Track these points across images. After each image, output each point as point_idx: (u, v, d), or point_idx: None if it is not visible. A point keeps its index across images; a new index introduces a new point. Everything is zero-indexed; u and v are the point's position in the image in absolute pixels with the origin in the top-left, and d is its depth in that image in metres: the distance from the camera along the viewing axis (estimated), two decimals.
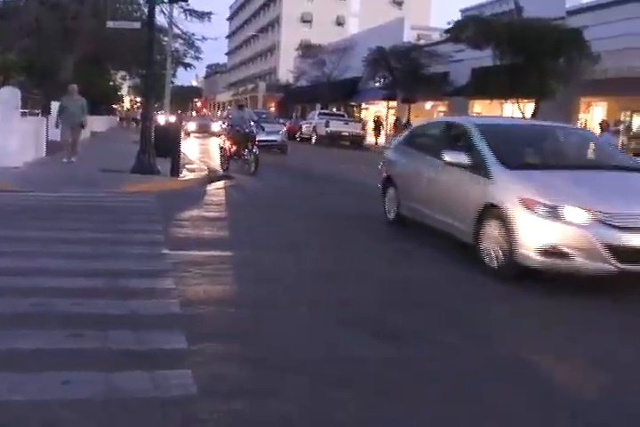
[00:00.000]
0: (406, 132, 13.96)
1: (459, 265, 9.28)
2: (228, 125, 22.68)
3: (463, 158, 9.71)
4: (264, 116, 36.05)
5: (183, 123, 49.18)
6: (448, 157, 9.93)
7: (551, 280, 8.32)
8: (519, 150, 10.17)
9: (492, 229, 8.69)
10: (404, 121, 47.07)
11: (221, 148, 22.66)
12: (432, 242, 10.75)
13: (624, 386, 5.31)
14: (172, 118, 31.16)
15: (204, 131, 50.43)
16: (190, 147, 34.48)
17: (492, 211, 8.79)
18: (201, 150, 34.47)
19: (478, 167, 9.40)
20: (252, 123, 21.95)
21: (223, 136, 23.30)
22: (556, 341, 6.38)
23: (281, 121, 44.25)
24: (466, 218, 9.34)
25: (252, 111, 26.17)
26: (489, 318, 7.12)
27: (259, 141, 22.11)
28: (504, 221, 8.43)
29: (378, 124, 52.31)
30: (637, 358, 6.01)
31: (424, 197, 10.91)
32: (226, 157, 22.00)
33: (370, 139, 51.70)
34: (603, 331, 6.72)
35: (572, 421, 4.64)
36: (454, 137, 11.12)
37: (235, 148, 21.43)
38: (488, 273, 8.65)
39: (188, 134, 47.12)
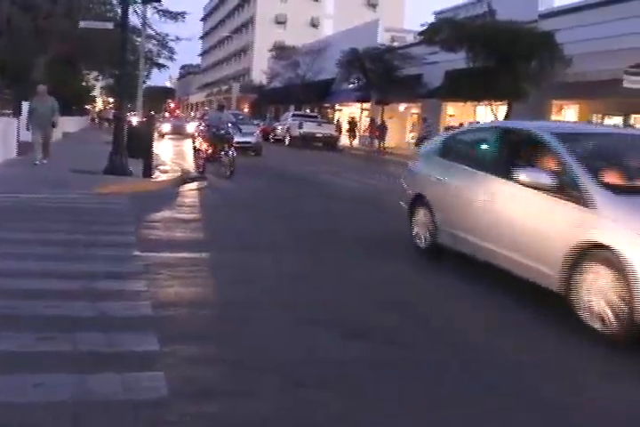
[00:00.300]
0: (437, 140, 11.44)
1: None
2: (205, 126, 22.35)
3: (545, 178, 7.42)
4: (240, 117, 35.63)
5: (157, 124, 48.88)
6: (524, 175, 7.68)
7: None
8: (619, 168, 7.63)
9: (597, 278, 6.47)
10: (378, 122, 47.13)
11: (196, 149, 22.22)
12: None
13: None
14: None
15: (179, 133, 48.80)
16: (164, 149, 34.35)
17: (595, 253, 6.55)
18: (175, 152, 34.34)
19: (568, 191, 7.21)
20: (229, 124, 21.59)
21: (199, 137, 22.99)
22: None
23: (255, 122, 44.01)
24: (549, 258, 7.15)
25: (230, 113, 25.76)
26: None
27: (234, 143, 21.83)
28: (617, 269, 6.23)
29: (353, 126, 52.36)
30: None
31: (479, 225, 8.56)
32: (202, 159, 21.59)
33: (345, 140, 51.71)
34: None
35: None
36: (519, 148, 8.97)
37: (211, 149, 21.06)
38: (594, 339, 6.39)
39: (162, 136, 46.66)
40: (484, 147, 9.80)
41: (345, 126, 54.89)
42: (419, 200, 10.36)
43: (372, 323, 6.60)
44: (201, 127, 23.10)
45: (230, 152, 20.50)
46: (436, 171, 10.10)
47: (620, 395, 5.25)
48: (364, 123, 55.44)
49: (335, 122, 55.75)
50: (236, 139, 21.94)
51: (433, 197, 9.92)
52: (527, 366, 5.74)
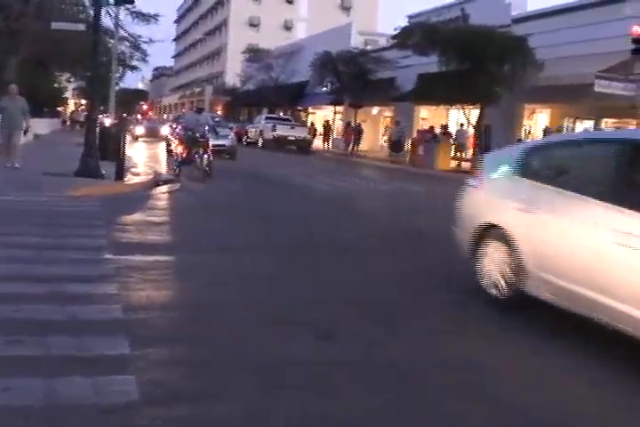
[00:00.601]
0: (511, 153, 8.77)
1: None
2: (181, 128, 22.17)
3: None
4: (217, 120, 35.23)
5: (131, 126, 48.45)
6: None
7: None
8: None
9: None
10: (353, 125, 47.06)
11: (170, 151, 22.12)
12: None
13: None
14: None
15: (153, 135, 46.51)
16: (138, 151, 34.19)
17: None
18: (148, 155, 34.17)
19: None
20: (206, 127, 21.22)
21: (175, 140, 22.75)
22: None
23: (230, 125, 43.81)
24: None
25: (209, 116, 25.47)
26: None
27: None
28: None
29: (327, 129, 52.23)
30: None
31: (603, 277, 6.15)
32: (176, 162, 21.38)
33: (319, 143, 51.60)
34: None
35: None
36: None
37: (186, 152, 20.87)
38: None
39: (135, 139, 46.06)
40: (599, 166, 7.31)
41: (320, 129, 54.78)
42: (491, 232, 7.90)
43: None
44: (177, 130, 22.64)
45: (206, 155, 20.25)
46: (519, 195, 7.66)
47: None
48: (337, 126, 55.42)
49: (309, 125, 55.64)
50: (211, 142, 21.66)
51: (516, 230, 7.42)
52: None
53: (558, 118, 34.14)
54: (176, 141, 21.99)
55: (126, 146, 18.97)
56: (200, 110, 23.26)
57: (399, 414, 4.72)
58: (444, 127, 37.28)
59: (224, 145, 31.24)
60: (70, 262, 8.37)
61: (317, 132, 53.39)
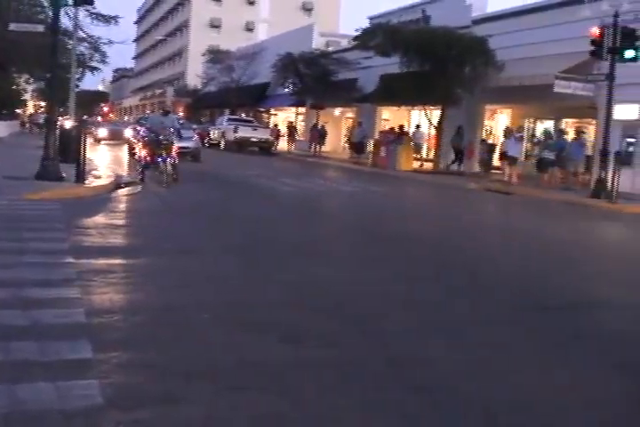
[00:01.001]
0: None
1: None
2: (144, 131, 21.52)
3: None
4: (181, 122, 33.69)
5: (93, 129, 47.97)
6: None
7: None
8: None
9: None
10: (319, 126, 46.77)
11: (133, 154, 21.46)
12: None
13: None
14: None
15: (117, 138, 43.85)
16: (100, 154, 33.98)
17: None
18: (110, 157, 33.96)
19: None
20: (171, 130, 20.61)
21: (139, 142, 22.15)
22: None
23: (194, 127, 43.05)
24: None
25: (175, 118, 24.70)
26: None
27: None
28: None
29: (292, 130, 51.83)
30: None
31: None
32: (140, 165, 20.75)
33: (283, 145, 51.33)
34: None
35: None
36: None
37: (150, 156, 20.19)
38: None
39: (98, 141, 45.47)
40: None
41: (283, 131, 54.51)
42: None
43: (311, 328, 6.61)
44: (141, 132, 21.68)
45: (169, 159, 19.72)
46: None
47: None
48: (300, 127, 55.34)
49: (272, 126, 55.35)
50: (176, 144, 20.87)
51: None
52: None
53: (519, 119, 34.44)
54: (140, 144, 21.29)
55: (87, 148, 18.82)
56: (166, 113, 22.45)
57: (360, 414, 4.74)
58: (401, 128, 37.44)
59: (188, 147, 30.45)
60: (31, 266, 8.29)
61: (281, 134, 53.17)
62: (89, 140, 41.37)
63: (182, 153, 26.43)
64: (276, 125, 55.05)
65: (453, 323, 7.13)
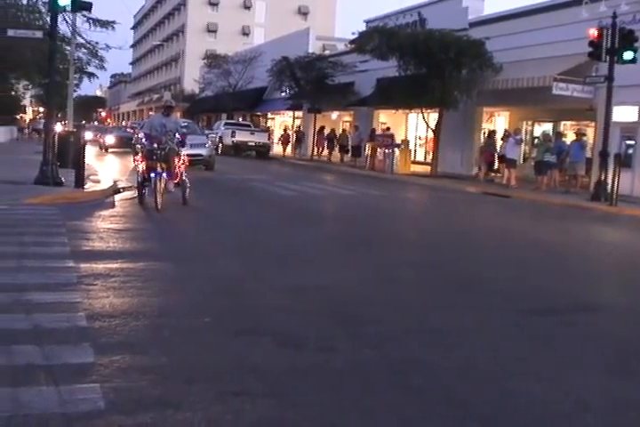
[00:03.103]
0: None
1: None
2: (143, 137, 16.27)
3: None
4: (185, 124, 25.02)
5: (99, 135, 47.15)
6: None
7: None
8: None
9: None
10: (328, 131, 46.36)
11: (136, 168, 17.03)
12: None
13: None
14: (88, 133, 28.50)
15: (127, 145, 37.77)
16: (103, 161, 33.73)
17: None
18: (113, 162, 33.84)
19: None
20: (176, 135, 15.89)
21: (139, 153, 16.97)
22: None
23: (206, 131, 40.47)
24: None
25: (179, 120, 20.20)
26: None
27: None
28: None
29: (300, 135, 51.16)
30: None
31: None
32: (139, 181, 16.26)
33: (285, 149, 51.06)
34: None
35: None
36: None
37: (146, 170, 15.69)
38: None
39: (106, 150, 42.90)
40: None
41: (279, 135, 54.17)
42: None
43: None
44: (143, 140, 16.26)
45: (165, 175, 15.39)
46: None
47: None
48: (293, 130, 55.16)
49: (282, 132, 54.58)
50: (184, 151, 16.67)
51: None
52: None
53: (517, 121, 34.44)
54: (139, 155, 16.59)
55: (85, 153, 18.77)
56: (169, 111, 16.59)
57: (360, 419, 4.72)
58: (388, 129, 38.09)
59: (201, 155, 27.42)
60: (32, 271, 8.28)
61: (291, 139, 52.15)
62: (95, 149, 41.04)
63: (194, 162, 23.87)
64: (285, 130, 54.45)
65: (455, 326, 7.11)
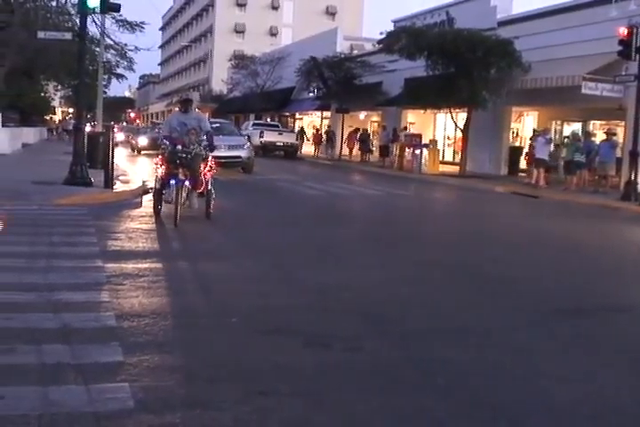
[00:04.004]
0: None
1: None
2: (163, 139, 13.98)
3: None
4: (217, 125, 26.16)
5: (131, 136, 47.11)
6: None
7: None
8: None
9: None
10: (361, 131, 46.17)
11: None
12: None
13: None
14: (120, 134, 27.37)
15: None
16: (134, 163, 33.75)
17: None
18: (142, 164, 33.93)
19: None
20: (203, 137, 13.87)
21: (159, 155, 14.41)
22: None
23: (243, 132, 38.43)
24: None
25: (201, 115, 17.15)
26: None
27: (217, 158, 15.28)
28: None
29: (330, 136, 51.02)
30: None
31: None
32: (158, 189, 13.96)
33: (314, 149, 50.94)
34: None
35: None
36: None
37: (165, 176, 13.56)
38: None
39: (138, 152, 42.05)
40: None
41: (314, 135, 53.91)
42: None
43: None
44: (164, 141, 13.81)
45: (188, 182, 13.25)
46: None
47: None
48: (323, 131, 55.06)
49: (314, 132, 54.38)
50: (221, 153, 15.71)
51: None
52: None
53: (546, 121, 34.22)
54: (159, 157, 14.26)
55: (114, 154, 18.85)
56: (186, 105, 14.30)
57: (387, 420, 4.71)
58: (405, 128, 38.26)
59: (239, 157, 25.89)
60: (62, 270, 8.35)
61: (323, 139, 51.88)
62: (127, 151, 40.96)
63: (232, 163, 23.21)
64: (317, 130, 54.26)
65: (482, 326, 7.08)
